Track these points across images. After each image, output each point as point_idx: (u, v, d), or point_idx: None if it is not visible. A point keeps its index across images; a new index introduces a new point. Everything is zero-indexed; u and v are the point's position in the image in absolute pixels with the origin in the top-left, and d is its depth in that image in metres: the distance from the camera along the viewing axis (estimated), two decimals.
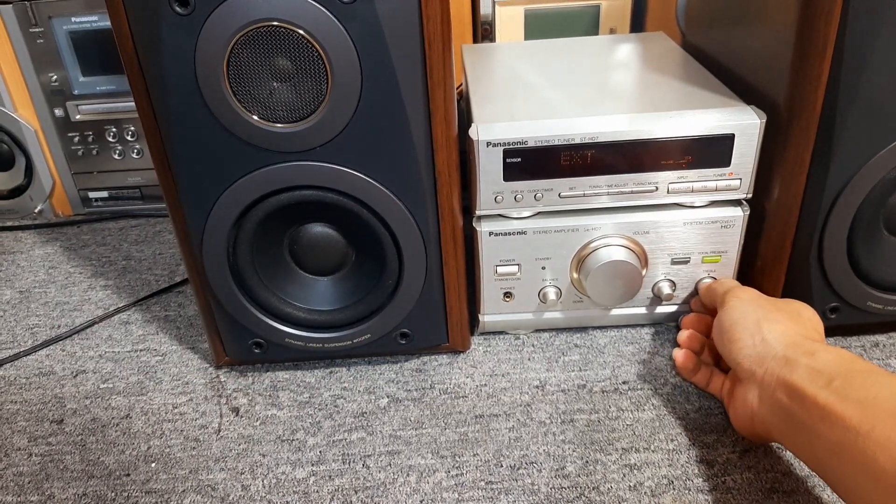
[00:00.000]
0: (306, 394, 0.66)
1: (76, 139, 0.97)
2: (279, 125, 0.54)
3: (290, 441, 0.61)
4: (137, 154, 0.98)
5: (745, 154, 0.61)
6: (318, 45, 0.51)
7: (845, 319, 0.66)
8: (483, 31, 0.93)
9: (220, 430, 0.63)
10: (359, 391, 0.66)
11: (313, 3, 0.50)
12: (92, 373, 0.71)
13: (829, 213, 0.60)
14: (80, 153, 0.98)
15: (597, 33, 0.92)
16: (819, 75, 0.56)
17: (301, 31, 0.51)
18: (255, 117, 0.54)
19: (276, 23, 0.51)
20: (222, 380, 0.69)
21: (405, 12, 0.52)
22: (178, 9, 0.50)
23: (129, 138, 0.96)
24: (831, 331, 0.69)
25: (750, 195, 0.64)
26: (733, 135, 0.60)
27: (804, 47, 0.56)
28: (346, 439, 0.61)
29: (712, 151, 0.61)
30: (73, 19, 0.90)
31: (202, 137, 0.55)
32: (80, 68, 0.93)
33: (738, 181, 0.63)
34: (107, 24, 0.89)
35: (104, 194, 1.00)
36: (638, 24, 0.92)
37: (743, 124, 0.60)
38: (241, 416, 0.64)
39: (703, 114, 0.61)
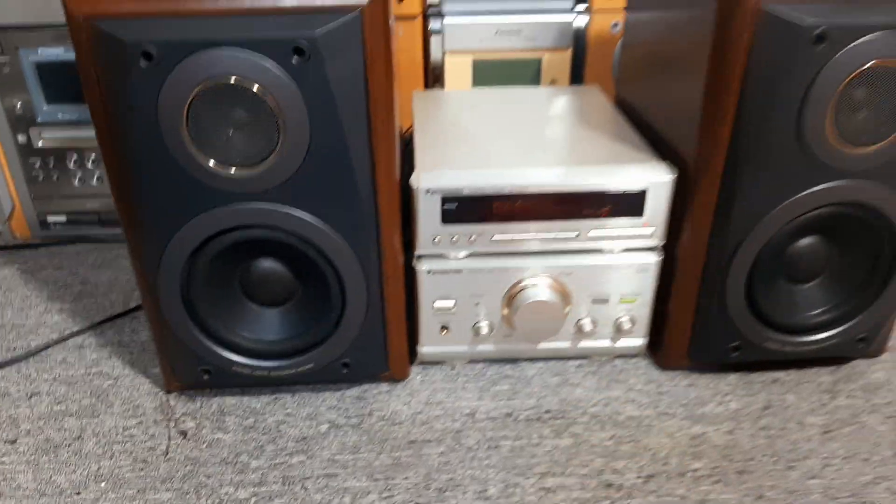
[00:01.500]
0: (251, 419, 0.71)
1: (37, 164, 1.00)
2: (233, 170, 0.59)
3: (233, 463, 0.65)
4: (98, 181, 1.01)
5: (658, 206, 0.68)
6: (271, 101, 0.56)
7: (746, 357, 0.73)
8: (433, 77, 0.99)
9: (167, 453, 0.67)
10: (301, 417, 0.71)
11: (268, 62, 0.55)
12: (46, 395, 0.74)
13: (730, 262, 0.67)
14: (40, 178, 1.00)
15: (539, 83, 0.99)
16: (722, 139, 0.63)
17: (256, 87, 0.56)
18: (212, 162, 0.58)
19: (233, 79, 0.56)
20: (172, 404, 0.73)
21: (352, 75, 0.57)
22: (142, 62, 0.55)
23: (89, 165, 1.00)
24: (734, 367, 0.76)
25: (662, 243, 0.71)
26: (646, 189, 0.67)
27: (709, 114, 0.63)
28: (287, 462, 0.66)
29: (628, 203, 0.68)
30: (39, 50, 0.94)
31: (162, 177, 0.59)
32: (44, 96, 0.97)
33: (652, 230, 0.70)
34: (72, 56, 0.93)
35: (62, 218, 1.03)
36: (577, 75, 1.00)
37: (655, 181, 0.67)
38: (189, 439, 0.68)
39: (621, 169, 0.68)
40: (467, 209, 0.67)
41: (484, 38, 0.96)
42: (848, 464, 0.65)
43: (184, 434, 0.69)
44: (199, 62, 0.55)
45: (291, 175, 0.60)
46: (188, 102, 0.56)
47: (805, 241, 0.69)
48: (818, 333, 0.72)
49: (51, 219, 1.03)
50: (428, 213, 0.67)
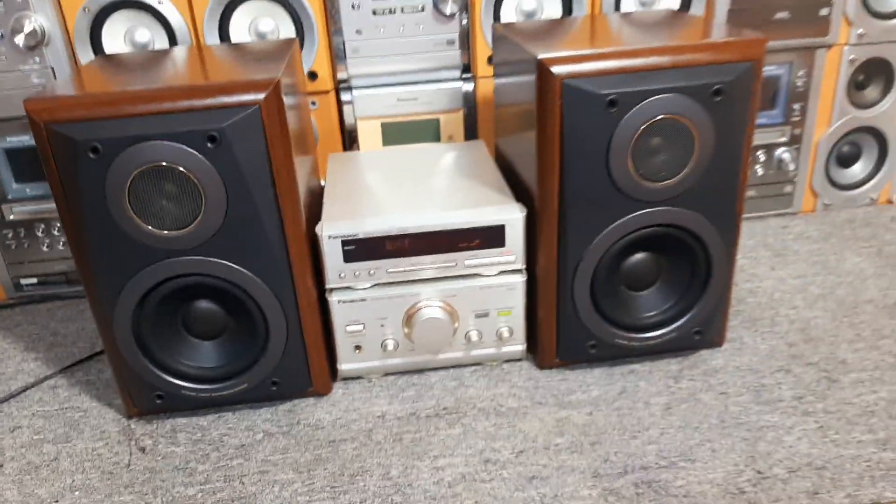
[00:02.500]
0: (199, 433, 0.85)
1: (10, 235, 1.15)
2: (166, 232, 0.75)
3: (184, 469, 0.80)
4: (63, 245, 1.16)
5: (515, 237, 0.85)
6: (194, 178, 0.73)
7: (603, 353, 0.90)
8: (350, 139, 1.17)
9: (129, 465, 0.81)
10: (241, 429, 0.86)
11: (189, 149, 0.72)
12: (27, 428, 0.88)
13: (574, 277, 0.84)
14: (13, 246, 1.15)
15: (439, 139, 1.17)
16: (553, 182, 0.81)
17: (181, 168, 0.72)
18: (150, 227, 0.75)
19: (164, 163, 0.72)
20: (132, 427, 0.87)
21: (257, 153, 0.74)
22: (90, 154, 0.72)
23: (55, 233, 1.15)
24: (600, 361, 0.92)
25: (524, 266, 0.88)
26: (504, 225, 0.85)
27: (542, 163, 0.81)
28: (228, 465, 0.80)
29: (492, 236, 0.85)
30: (7, 138, 1.10)
31: (111, 241, 0.75)
32: (13, 176, 1.12)
33: (514, 256, 0.87)
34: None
35: (34, 280, 1.18)
36: (472, 131, 1.18)
37: (510, 217, 0.85)
38: (147, 454, 0.83)
39: (484, 210, 0.85)
40: (364, 249, 0.84)
41: (388, 105, 1.14)
42: (681, 432, 0.81)
43: (143, 450, 0.83)
44: (135, 152, 0.72)
45: (215, 233, 0.76)
46: (129, 182, 0.73)
47: (637, 257, 0.87)
48: (658, 330, 0.89)
49: (24, 281, 1.18)
50: (332, 254, 0.84)
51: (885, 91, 1.24)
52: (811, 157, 1.27)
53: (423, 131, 1.17)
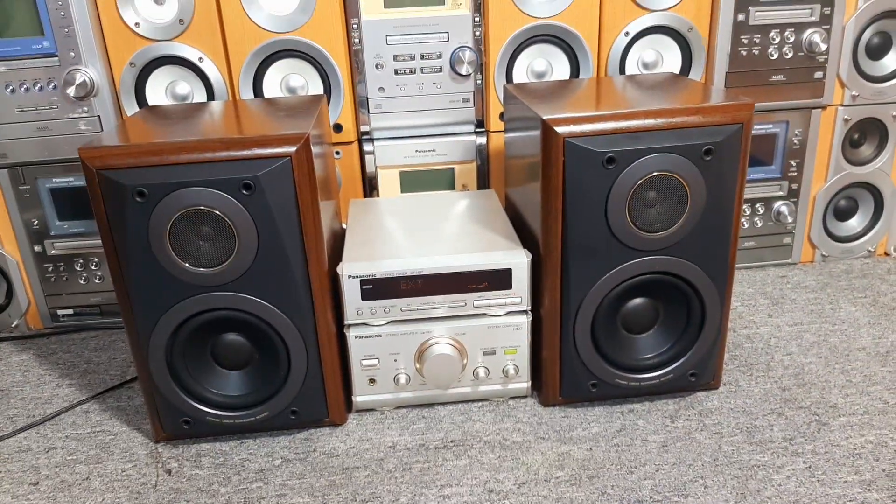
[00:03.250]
0: (221, 458, 0.91)
1: (50, 268, 1.23)
2: (202, 269, 0.82)
3: (207, 491, 0.86)
4: (99, 280, 1.24)
5: (521, 280, 0.92)
6: (229, 221, 0.81)
7: (603, 393, 0.95)
8: (370, 185, 1.25)
9: (156, 485, 0.87)
10: (261, 455, 0.91)
11: (226, 195, 0.80)
12: (60, 449, 0.94)
13: (576, 320, 0.90)
14: (52, 279, 1.23)
15: (453, 188, 1.25)
16: (556, 230, 0.87)
17: (217, 212, 0.80)
18: (187, 264, 0.82)
19: (203, 207, 0.80)
20: (160, 451, 0.93)
21: (286, 199, 0.82)
22: (137, 199, 0.79)
23: (93, 268, 1.23)
24: (597, 400, 0.98)
25: (529, 307, 0.94)
26: (510, 268, 0.91)
27: (546, 212, 0.88)
28: (248, 488, 0.86)
29: (499, 279, 0.92)
30: (53, 179, 1.19)
31: (150, 276, 0.83)
32: (56, 214, 1.21)
33: (520, 298, 0.93)
34: (80, 183, 1.18)
35: (70, 311, 1.26)
36: (484, 181, 1.26)
37: (516, 262, 0.91)
38: (173, 475, 0.88)
39: (493, 254, 0.92)
40: (380, 288, 0.91)
41: (407, 155, 1.22)
42: (675, 468, 0.86)
43: (169, 472, 0.89)
44: (177, 196, 0.79)
45: (245, 271, 0.83)
46: (170, 224, 0.80)
47: (635, 302, 0.93)
48: (655, 371, 0.95)
49: (60, 312, 1.26)
50: (351, 293, 0.91)
51: (880, 149, 1.31)
52: (809, 210, 1.33)
53: (439, 180, 1.24)
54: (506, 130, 1.10)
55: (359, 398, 0.97)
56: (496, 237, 0.98)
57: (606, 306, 0.90)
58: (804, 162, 1.30)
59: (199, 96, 1.16)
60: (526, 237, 0.97)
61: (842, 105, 1.27)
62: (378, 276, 0.90)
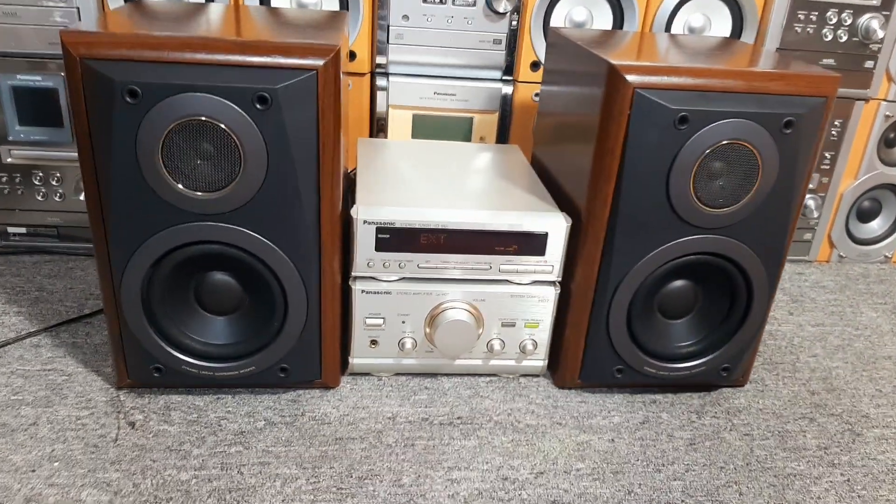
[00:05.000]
0: (195, 414, 0.79)
1: (3, 179, 1.07)
2: (199, 193, 0.69)
3: (177, 451, 0.74)
4: (59, 197, 1.09)
5: (556, 247, 0.82)
6: (235, 138, 0.68)
7: (628, 380, 0.86)
8: (378, 126, 1.12)
9: (117, 440, 0.75)
10: (241, 414, 0.80)
11: (236, 107, 0.67)
12: (4, 386, 0.81)
13: (613, 297, 0.80)
14: (5, 191, 1.08)
15: (470, 140, 1.13)
16: (606, 195, 0.77)
17: (223, 126, 0.67)
18: (180, 185, 0.69)
19: (205, 118, 0.67)
20: (122, 399, 0.81)
21: (306, 123, 0.69)
22: (128, 99, 0.66)
23: (53, 183, 1.08)
24: (620, 388, 0.89)
25: (560, 278, 0.84)
26: (547, 233, 0.81)
27: (597, 174, 0.77)
28: (225, 451, 0.74)
29: (532, 244, 0.81)
30: (17, 76, 1.03)
31: (133, 195, 0.69)
32: (17, 118, 1.05)
33: (551, 267, 0.83)
34: (46, 84, 1.02)
35: (23, 230, 1.10)
36: (503, 135, 1.14)
37: (555, 226, 0.81)
38: (137, 430, 0.76)
39: (528, 215, 0.81)
40: (398, 239, 0.79)
41: (424, 96, 1.10)
42: (706, 470, 0.78)
43: (132, 425, 0.77)
44: (177, 102, 0.66)
45: (248, 201, 0.71)
46: (165, 134, 0.67)
47: (676, 284, 0.83)
48: (687, 361, 0.86)
49: (11, 230, 1.10)
50: (364, 241, 0.79)
51: None
52: (834, 207, 1.26)
53: (455, 128, 1.13)
54: (544, 82, 0.99)
55: (356, 360, 0.86)
56: (528, 197, 0.87)
57: (648, 286, 0.81)
58: (838, 155, 1.22)
59: None
60: (560, 202, 0.86)
61: (886, 100, 1.19)
62: (398, 225, 0.79)
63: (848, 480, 0.78)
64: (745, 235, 0.79)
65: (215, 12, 0.86)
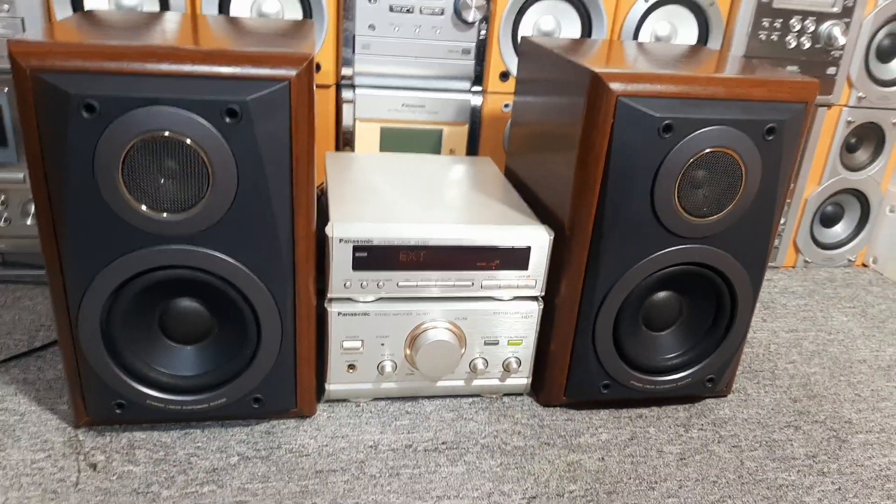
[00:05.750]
0: (162, 452, 0.74)
1: None
2: (165, 215, 0.64)
3: (144, 493, 0.68)
4: (4, 222, 1.01)
5: (539, 261, 0.79)
6: (203, 154, 0.63)
7: (615, 394, 0.84)
8: (344, 140, 1.08)
9: (77, 484, 0.69)
10: (212, 450, 0.75)
11: (203, 121, 0.62)
12: None
13: (599, 311, 0.78)
14: None
15: (440, 152, 1.10)
16: (590, 206, 0.75)
17: (189, 141, 0.63)
18: (144, 207, 0.64)
19: (170, 134, 0.62)
20: (81, 438, 0.74)
21: (278, 136, 0.65)
22: (84, 113, 0.61)
23: None
24: (605, 405, 0.87)
25: (543, 293, 0.81)
26: (530, 247, 0.78)
27: (580, 184, 0.75)
28: (197, 492, 0.69)
29: (514, 258, 0.78)
30: None
31: (92, 219, 0.64)
32: None
33: (535, 282, 0.80)
34: None
35: None
36: (473, 147, 1.12)
37: (537, 239, 0.78)
38: (99, 472, 0.70)
39: (509, 229, 0.78)
40: (376, 258, 0.76)
41: (392, 108, 1.06)
42: (699, 485, 0.76)
43: (94, 467, 0.71)
44: (138, 116, 0.61)
45: (217, 221, 0.66)
46: (125, 151, 0.62)
47: (660, 295, 0.82)
48: (674, 374, 0.84)
49: None
50: (340, 260, 0.75)
51: (875, 155, 1.26)
52: (799, 212, 1.28)
53: (425, 141, 1.10)
54: (517, 92, 0.97)
55: (333, 386, 0.81)
56: (507, 210, 0.84)
57: (633, 298, 0.79)
58: (803, 161, 1.23)
59: (150, 8, 0.95)
60: (540, 214, 0.84)
61: (847, 105, 1.21)
62: (375, 243, 0.75)
63: (839, 489, 0.77)
64: (728, 244, 0.78)
65: (172, 21, 0.81)
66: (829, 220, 1.33)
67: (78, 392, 0.73)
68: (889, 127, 1.24)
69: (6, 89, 0.95)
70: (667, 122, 0.70)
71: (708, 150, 0.72)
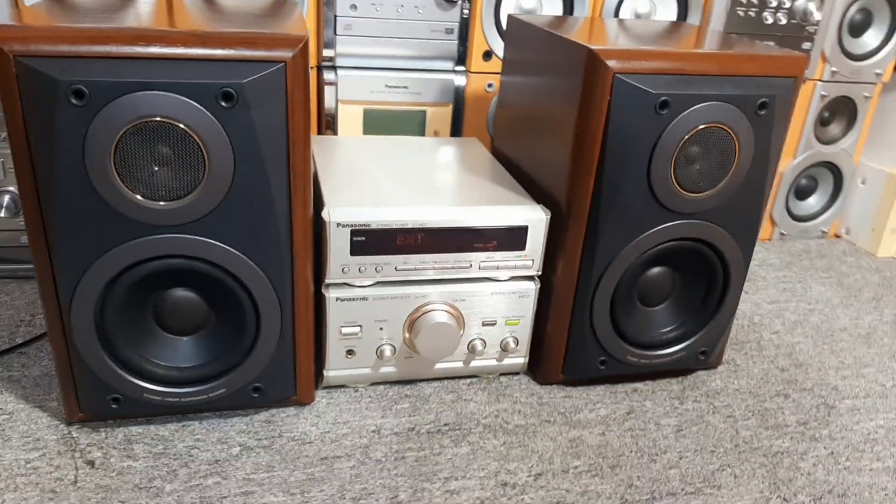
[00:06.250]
0: (160, 445, 0.72)
1: None
2: (160, 203, 0.63)
3: (147, 488, 0.67)
4: None
5: (536, 241, 0.79)
6: (199, 140, 0.61)
7: (612, 370, 0.85)
8: (326, 122, 1.06)
9: (76, 482, 0.67)
10: (212, 441, 0.73)
11: (198, 106, 0.60)
12: None
13: (596, 288, 0.79)
14: None
15: (423, 134, 1.09)
16: (587, 185, 0.75)
17: (183, 126, 0.61)
18: (138, 196, 0.62)
19: (160, 118, 0.60)
20: (75, 435, 0.72)
21: (275, 118, 0.63)
22: (73, 100, 0.58)
23: None
24: (601, 380, 0.87)
25: (540, 272, 0.82)
26: (527, 226, 0.78)
27: (577, 164, 0.75)
28: (202, 484, 0.68)
29: (512, 238, 0.78)
30: None
31: (83, 209, 0.62)
32: None
33: (531, 261, 0.80)
34: None
35: None
36: (457, 128, 1.11)
37: (534, 219, 0.78)
38: (97, 468, 0.69)
39: (506, 209, 0.78)
40: (374, 242, 0.75)
41: (374, 90, 1.05)
42: (698, 455, 0.77)
43: (91, 464, 0.69)
44: (130, 101, 0.59)
45: (213, 208, 0.64)
46: (117, 138, 0.60)
47: (654, 271, 0.83)
48: (668, 348, 0.85)
49: None
50: (338, 245, 0.74)
51: (847, 129, 1.29)
52: (775, 186, 1.30)
53: (408, 123, 1.08)
54: (504, 72, 0.96)
55: (331, 373, 0.80)
56: (501, 190, 0.84)
57: (630, 274, 0.80)
58: None
59: None
60: (533, 194, 0.84)
61: (821, 80, 1.23)
62: (373, 227, 0.74)
63: (832, 453, 0.79)
64: (721, 218, 0.79)
65: (147, 3, 0.78)
66: (803, 193, 1.36)
67: (70, 388, 0.71)
68: (861, 100, 1.27)
69: None
70: (663, 98, 0.71)
71: (702, 126, 0.73)
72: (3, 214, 0.96)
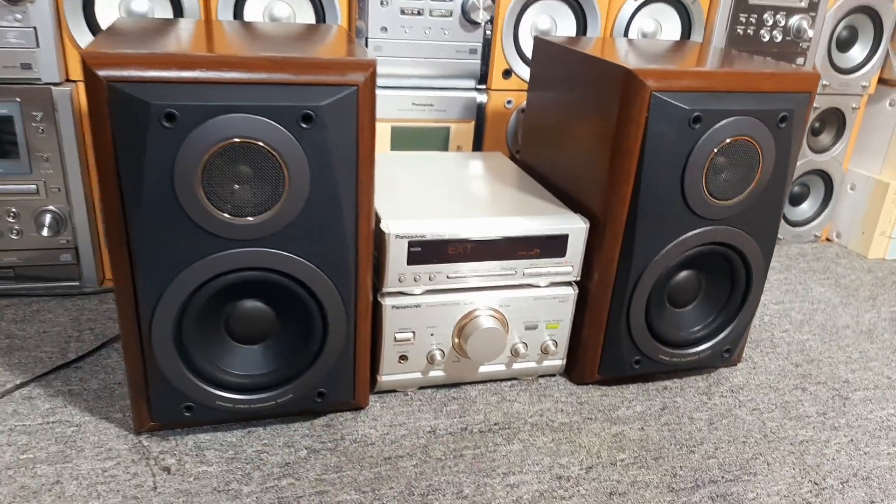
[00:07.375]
0: (231, 451, 0.75)
1: None
2: (248, 219, 0.66)
3: (226, 491, 0.70)
4: (16, 234, 0.99)
5: (576, 248, 0.84)
6: (279, 158, 0.65)
7: (645, 369, 0.90)
8: None
9: (156, 488, 0.70)
10: (279, 445, 0.77)
11: (280, 127, 0.64)
12: (7, 445, 0.73)
13: (633, 292, 0.84)
14: None
15: (447, 149, 1.14)
16: (624, 195, 0.81)
17: (266, 146, 0.64)
18: (224, 214, 0.65)
19: (246, 139, 0.64)
20: (145, 444, 0.75)
21: (347, 138, 0.68)
22: (164, 123, 0.62)
23: (9, 220, 0.98)
24: (632, 379, 0.93)
25: (578, 278, 0.87)
26: (567, 234, 0.83)
27: (614, 175, 0.81)
28: (277, 485, 0.71)
29: (553, 246, 0.83)
30: None
31: (168, 226, 0.65)
32: None
33: (571, 268, 0.85)
34: (2, 111, 0.94)
35: None
36: (479, 142, 1.16)
37: (574, 227, 0.83)
38: (174, 474, 0.71)
39: (547, 219, 0.83)
40: (429, 252, 0.79)
41: (402, 107, 1.09)
42: (732, 446, 0.83)
43: (167, 470, 0.72)
44: (217, 124, 0.63)
45: (290, 223, 0.68)
46: (205, 158, 0.63)
47: (683, 274, 0.88)
48: (696, 346, 0.91)
49: None
50: (396, 256, 0.78)
51: (837, 138, 1.38)
52: None
53: (433, 139, 1.13)
54: (531, 88, 1.02)
55: (385, 377, 0.84)
56: (538, 201, 0.89)
57: (662, 278, 0.85)
58: None
59: (161, 13, 0.95)
60: (566, 204, 0.89)
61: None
62: (428, 238, 0.78)
63: (851, 440, 0.85)
64: (745, 223, 0.85)
65: (186, 29, 0.82)
66: (796, 199, 1.44)
67: (142, 398, 0.74)
68: (849, 111, 1.35)
69: (18, 100, 0.93)
70: (696, 114, 0.77)
71: (730, 139, 0.79)
72: (45, 234, 0.98)
